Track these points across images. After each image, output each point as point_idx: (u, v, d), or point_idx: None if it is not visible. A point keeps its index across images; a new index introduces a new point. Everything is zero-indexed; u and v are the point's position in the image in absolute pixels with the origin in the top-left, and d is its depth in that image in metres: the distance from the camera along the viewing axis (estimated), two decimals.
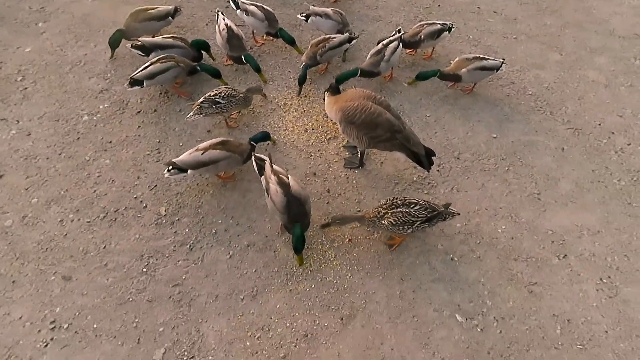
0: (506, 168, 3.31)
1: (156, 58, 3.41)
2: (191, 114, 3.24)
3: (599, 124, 3.62)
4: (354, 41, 3.77)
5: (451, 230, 2.95)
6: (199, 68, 3.55)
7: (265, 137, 3.11)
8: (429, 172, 3.02)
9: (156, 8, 3.86)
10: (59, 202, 3.03)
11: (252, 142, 3.03)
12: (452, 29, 3.86)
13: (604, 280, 2.76)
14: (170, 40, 3.60)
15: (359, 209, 3.04)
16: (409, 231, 2.62)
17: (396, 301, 2.64)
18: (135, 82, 3.35)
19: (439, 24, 3.78)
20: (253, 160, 2.88)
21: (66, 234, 2.89)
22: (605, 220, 3.04)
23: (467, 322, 2.57)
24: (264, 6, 3.84)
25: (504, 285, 2.73)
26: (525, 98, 3.80)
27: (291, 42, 3.76)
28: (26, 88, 3.72)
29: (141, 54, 3.56)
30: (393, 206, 2.60)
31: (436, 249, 2.87)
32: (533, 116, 3.66)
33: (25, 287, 2.66)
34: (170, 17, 3.91)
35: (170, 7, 3.93)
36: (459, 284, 2.72)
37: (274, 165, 2.74)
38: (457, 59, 3.62)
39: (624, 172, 3.31)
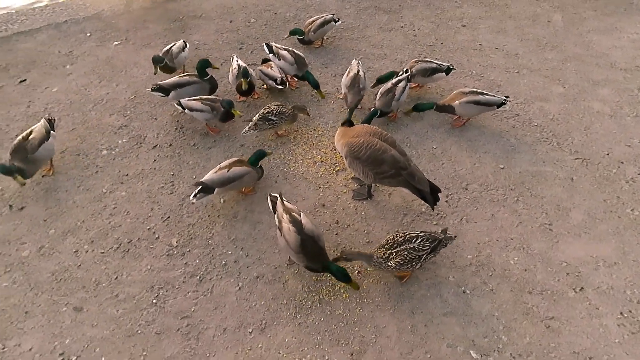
0: (515, 198, 3.30)
1: (204, 97, 3.61)
2: (247, 129, 3.52)
3: (607, 154, 3.62)
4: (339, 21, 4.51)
5: (462, 262, 2.91)
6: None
7: (260, 155, 3.21)
8: (433, 209, 3.05)
9: None
10: (75, 233, 3.12)
11: (253, 166, 3.17)
12: (452, 70, 3.99)
13: (625, 315, 2.65)
14: (186, 78, 3.82)
15: (367, 240, 3.04)
16: (417, 266, 2.60)
17: (407, 336, 2.57)
18: (180, 105, 3.55)
19: (435, 63, 3.92)
20: (268, 199, 2.89)
21: (80, 265, 2.94)
22: (621, 251, 2.97)
23: None
24: (295, 50, 4.08)
25: (519, 319, 2.65)
26: (530, 129, 3.85)
27: (316, 86, 3.91)
28: None
29: (162, 95, 3.76)
30: (395, 245, 2.58)
31: (447, 281, 2.82)
32: (540, 147, 3.69)
33: (37, 317, 2.69)
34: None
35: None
36: (472, 318, 2.65)
37: (285, 203, 2.76)
38: (454, 92, 3.73)
39: (636, 202, 3.26)
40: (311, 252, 2.56)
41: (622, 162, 3.55)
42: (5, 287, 2.82)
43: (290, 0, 5.50)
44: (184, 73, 4.01)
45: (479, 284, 2.80)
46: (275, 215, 2.77)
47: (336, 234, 3.09)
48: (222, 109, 3.58)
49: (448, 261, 2.91)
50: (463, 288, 2.78)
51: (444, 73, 3.94)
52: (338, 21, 4.58)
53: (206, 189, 2.98)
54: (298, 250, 2.55)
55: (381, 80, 3.91)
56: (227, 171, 3.01)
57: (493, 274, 2.86)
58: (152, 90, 3.75)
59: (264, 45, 4.15)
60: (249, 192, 3.32)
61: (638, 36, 4.89)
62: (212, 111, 3.56)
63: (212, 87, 3.90)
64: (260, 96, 4.15)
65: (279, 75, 3.93)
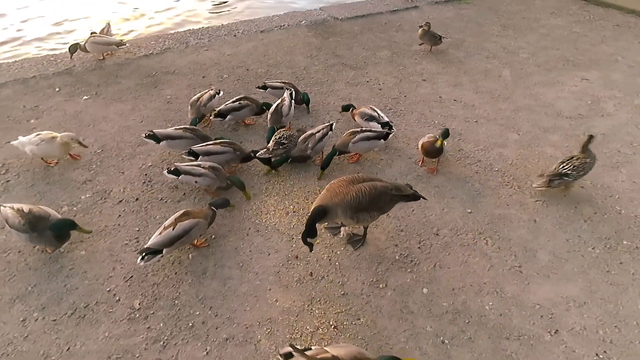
0: (485, 242, 3.38)
1: (235, 99, 4.26)
2: (262, 151, 3.82)
3: (564, 196, 3.84)
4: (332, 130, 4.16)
5: (439, 310, 2.87)
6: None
7: (225, 202, 3.27)
8: (426, 199, 3.40)
9: None
10: (25, 299, 2.84)
11: (213, 208, 3.17)
12: (391, 133, 4.09)
13: (601, 356, 2.66)
14: (180, 131, 3.85)
15: (343, 292, 2.96)
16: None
17: None
18: (219, 114, 4.13)
19: (373, 132, 3.96)
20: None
21: (27, 336, 2.65)
22: (588, 290, 3.05)
23: None
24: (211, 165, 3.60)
25: None
26: (492, 174, 4.06)
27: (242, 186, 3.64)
28: (8, 181, 3.75)
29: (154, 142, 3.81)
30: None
31: (425, 331, 2.75)
32: (502, 191, 3.87)
33: None
34: None
35: None
36: None
37: (306, 352, 2.22)
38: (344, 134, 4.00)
39: (596, 240, 3.42)
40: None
41: (579, 203, 3.77)
42: None
43: (261, 57, 5.79)
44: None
45: (457, 332, 2.75)
46: None
47: (311, 287, 2.99)
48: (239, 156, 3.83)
49: (425, 310, 2.86)
50: (442, 338, 2.71)
51: (382, 140, 3.99)
52: (220, 93, 4.45)
53: (154, 251, 2.84)
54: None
55: (345, 108, 4.54)
56: (173, 229, 2.87)
57: (470, 320, 2.82)
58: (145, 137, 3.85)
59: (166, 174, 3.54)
60: (201, 244, 3.18)
61: (577, 88, 5.45)
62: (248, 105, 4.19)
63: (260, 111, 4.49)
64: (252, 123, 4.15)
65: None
